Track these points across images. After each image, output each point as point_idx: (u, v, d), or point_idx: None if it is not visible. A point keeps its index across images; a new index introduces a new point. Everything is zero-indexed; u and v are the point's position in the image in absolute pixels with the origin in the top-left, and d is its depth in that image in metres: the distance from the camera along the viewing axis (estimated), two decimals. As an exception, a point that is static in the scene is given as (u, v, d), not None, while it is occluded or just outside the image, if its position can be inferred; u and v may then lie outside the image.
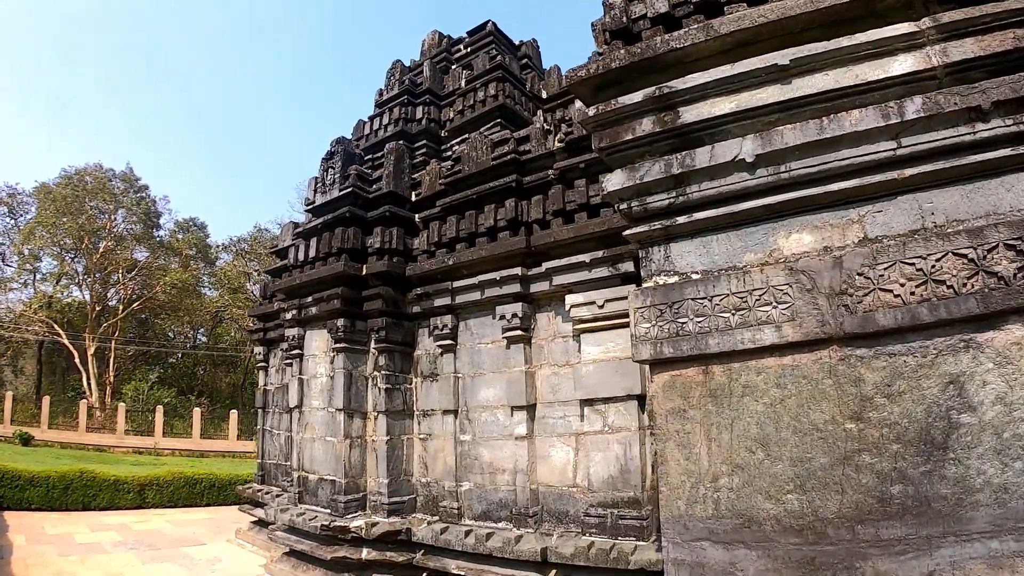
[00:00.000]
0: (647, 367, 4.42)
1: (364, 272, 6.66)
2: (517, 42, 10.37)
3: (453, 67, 9.58)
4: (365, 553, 6.04)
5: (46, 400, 28.41)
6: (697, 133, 2.93)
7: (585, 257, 5.26)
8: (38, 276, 37.31)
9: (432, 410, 6.59)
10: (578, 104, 5.79)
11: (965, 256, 2.35)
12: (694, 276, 2.95)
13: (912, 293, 2.41)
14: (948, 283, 2.36)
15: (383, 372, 6.61)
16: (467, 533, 5.64)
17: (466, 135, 8.29)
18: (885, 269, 2.48)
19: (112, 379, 34.07)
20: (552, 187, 5.76)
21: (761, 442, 2.65)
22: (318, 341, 7.16)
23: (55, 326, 33.20)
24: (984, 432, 2.28)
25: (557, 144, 5.74)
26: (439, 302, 6.43)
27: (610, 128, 3.15)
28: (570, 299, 5.39)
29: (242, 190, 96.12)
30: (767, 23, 2.70)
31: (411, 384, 6.85)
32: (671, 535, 2.81)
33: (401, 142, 7.79)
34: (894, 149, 2.53)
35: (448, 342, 6.43)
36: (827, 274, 2.59)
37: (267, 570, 7.16)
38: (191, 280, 38.32)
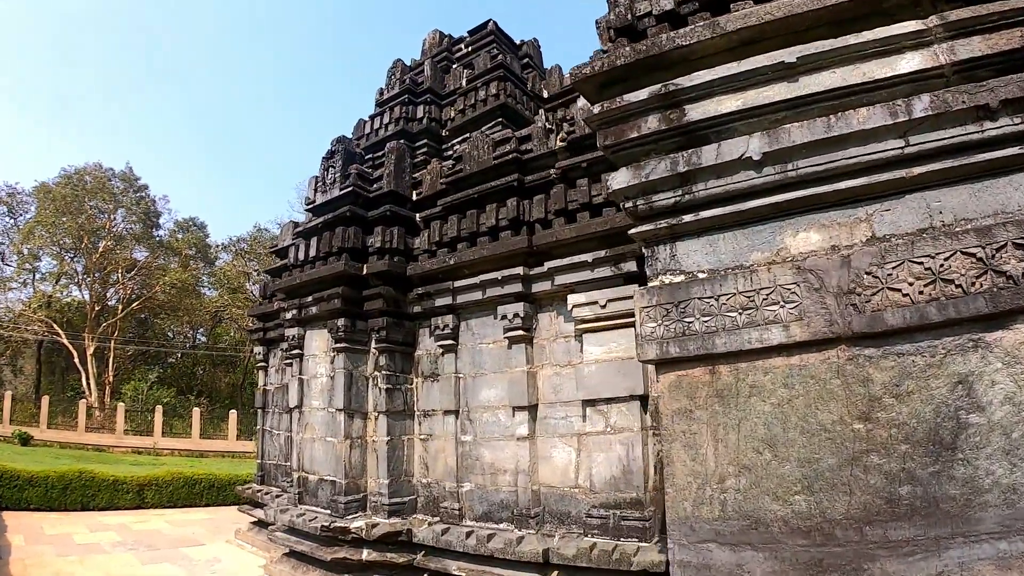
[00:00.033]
0: (650, 367, 4.41)
1: (365, 271, 6.63)
2: (518, 41, 10.37)
3: (454, 66, 9.57)
4: (365, 554, 6.02)
5: (45, 400, 28.37)
6: (703, 131, 2.91)
7: (587, 257, 5.24)
8: (37, 276, 37.33)
9: (433, 410, 6.57)
10: (581, 103, 5.78)
11: (974, 255, 2.34)
12: (700, 275, 2.92)
13: (921, 292, 2.40)
14: (957, 282, 2.34)
15: (384, 372, 6.58)
16: (468, 534, 5.62)
17: (467, 134, 8.28)
18: (893, 268, 2.46)
19: (111, 379, 33.98)
20: (554, 186, 5.74)
21: (768, 443, 2.63)
22: (318, 341, 7.13)
23: (54, 326, 33.11)
24: (993, 432, 2.26)
25: (559, 143, 5.72)
26: (440, 302, 6.41)
27: (615, 126, 3.13)
28: (572, 299, 5.37)
29: (242, 190, 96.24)
30: (773, 20, 2.68)
31: (412, 384, 6.82)
32: (677, 536, 2.79)
33: (402, 141, 7.77)
34: (902, 147, 2.51)
35: (449, 342, 6.40)
36: (835, 273, 2.57)
37: (267, 571, 7.13)
38: (191, 280, 38.24)
